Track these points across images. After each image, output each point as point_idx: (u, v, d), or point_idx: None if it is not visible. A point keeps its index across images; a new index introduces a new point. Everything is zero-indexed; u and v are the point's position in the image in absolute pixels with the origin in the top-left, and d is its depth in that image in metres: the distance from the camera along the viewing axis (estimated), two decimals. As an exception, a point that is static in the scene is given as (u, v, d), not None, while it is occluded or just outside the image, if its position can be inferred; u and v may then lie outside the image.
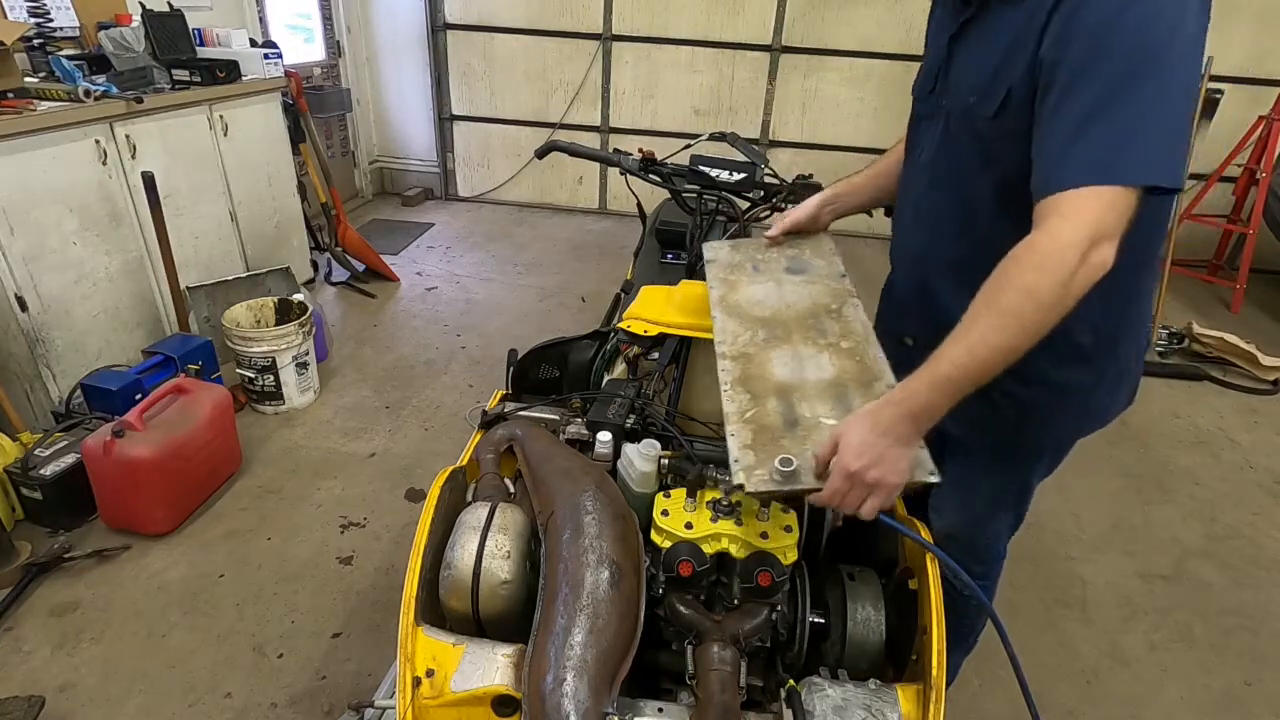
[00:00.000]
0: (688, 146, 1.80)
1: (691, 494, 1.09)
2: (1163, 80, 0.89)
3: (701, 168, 1.69)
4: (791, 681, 0.94)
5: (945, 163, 1.16)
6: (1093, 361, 1.17)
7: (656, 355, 1.45)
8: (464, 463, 1.26)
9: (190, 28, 3.17)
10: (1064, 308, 0.90)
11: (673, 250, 2.04)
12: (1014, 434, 1.26)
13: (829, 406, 1.00)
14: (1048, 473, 1.37)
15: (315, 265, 4.15)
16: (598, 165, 5.52)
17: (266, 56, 3.45)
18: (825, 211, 1.43)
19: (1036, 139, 0.97)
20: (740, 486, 0.89)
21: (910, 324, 1.32)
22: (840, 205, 1.44)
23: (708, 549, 1.01)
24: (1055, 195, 0.92)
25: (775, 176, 1.74)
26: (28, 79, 2.66)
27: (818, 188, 1.66)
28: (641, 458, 1.13)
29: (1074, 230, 0.89)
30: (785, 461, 0.90)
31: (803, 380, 1.05)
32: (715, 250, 1.42)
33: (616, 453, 1.21)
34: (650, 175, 1.79)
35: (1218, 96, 3.32)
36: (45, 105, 2.49)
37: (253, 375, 2.87)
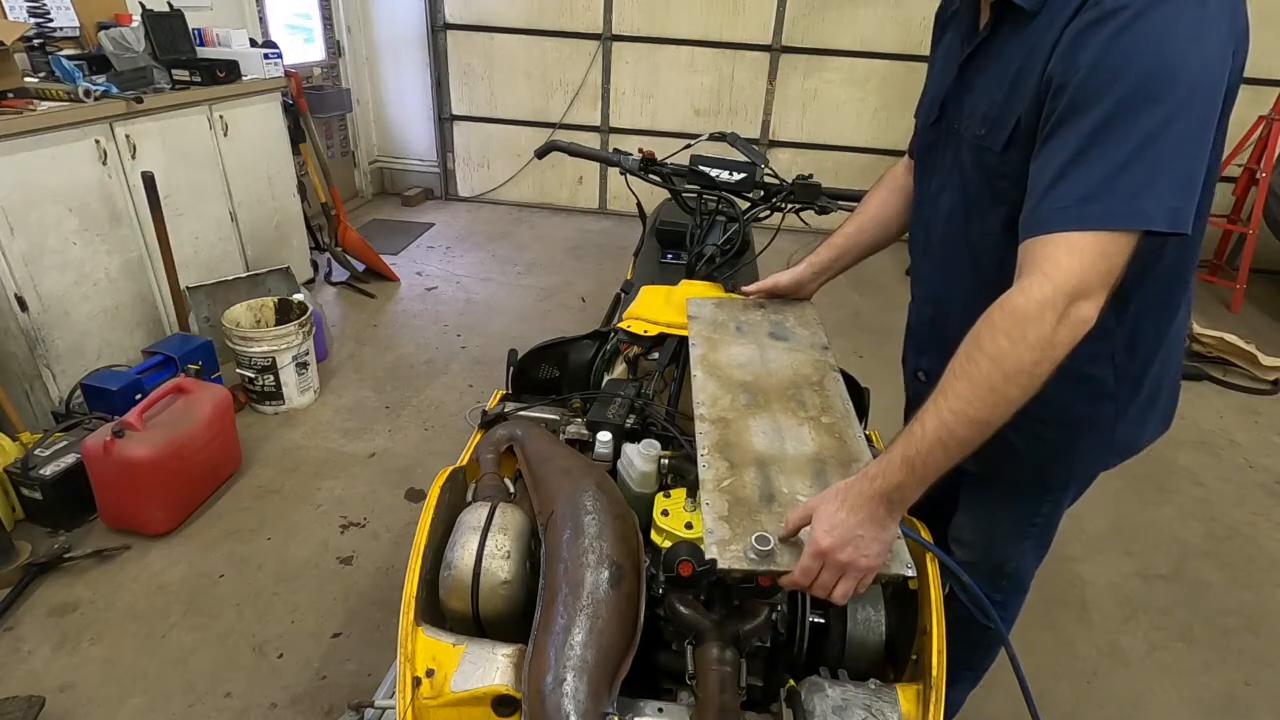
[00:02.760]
0: (688, 146, 1.80)
1: (691, 494, 1.09)
2: (1172, 109, 0.81)
3: (701, 168, 1.69)
4: (791, 681, 0.94)
5: (957, 196, 1.11)
6: (1116, 396, 1.12)
7: (656, 355, 1.45)
8: (464, 463, 1.26)
9: (190, 28, 3.17)
10: (1042, 374, 0.83)
11: (673, 250, 2.04)
12: (1036, 469, 1.21)
13: (807, 483, 0.98)
14: (1073, 502, 1.31)
15: (315, 265, 4.15)
16: (598, 165, 5.52)
17: (266, 56, 3.45)
18: (811, 281, 1.41)
19: (1031, 168, 0.91)
20: (714, 561, 0.86)
21: (924, 359, 1.30)
22: (827, 274, 1.41)
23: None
24: (1038, 239, 0.86)
25: (775, 176, 1.74)
26: (28, 79, 2.66)
27: (818, 187, 1.66)
28: (641, 458, 1.13)
29: (1053, 289, 0.82)
30: (761, 540, 0.87)
31: (782, 453, 1.03)
32: (699, 307, 1.41)
33: (616, 453, 1.21)
34: (650, 175, 1.79)
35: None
36: (45, 105, 2.49)
37: (253, 375, 2.87)
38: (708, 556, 0.87)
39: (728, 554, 0.87)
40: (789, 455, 1.03)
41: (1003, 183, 1.00)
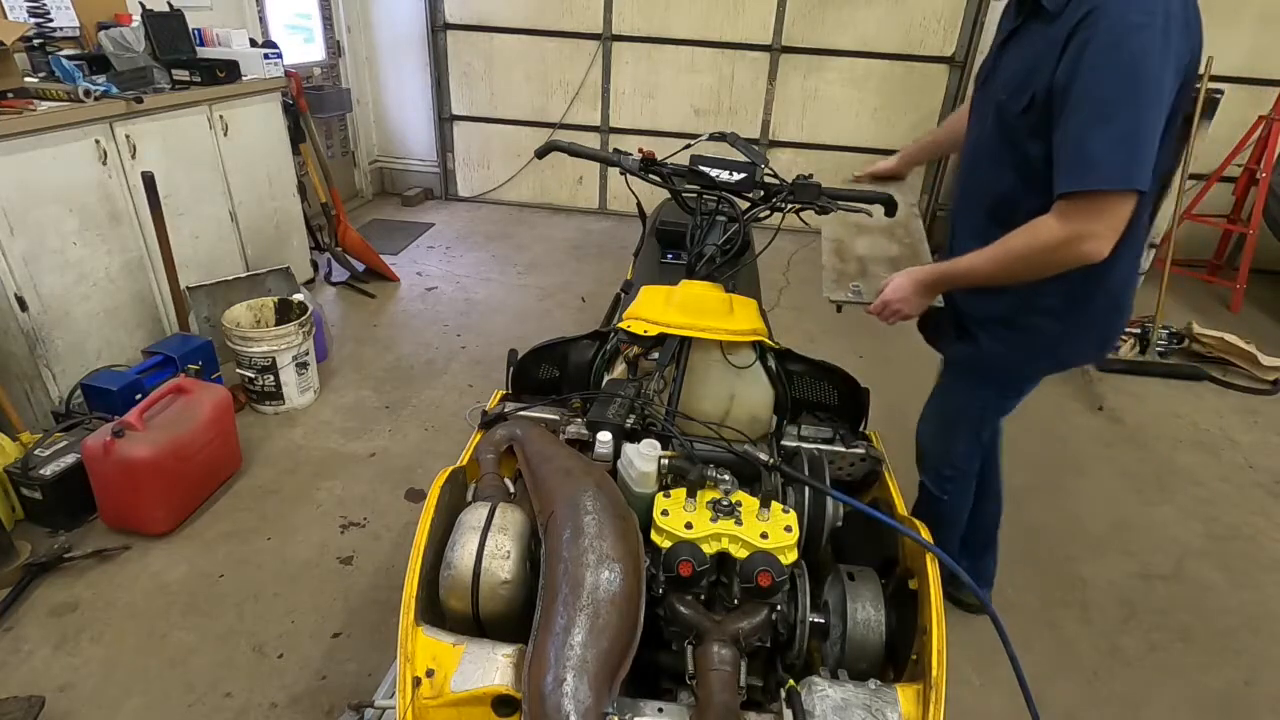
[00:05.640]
0: (688, 146, 1.79)
1: (691, 494, 1.09)
2: (1145, 99, 1.20)
3: (701, 168, 1.68)
4: (791, 681, 0.94)
5: (984, 146, 1.50)
6: (1060, 318, 1.52)
7: (656, 355, 1.45)
8: (464, 463, 1.27)
9: (190, 28, 3.17)
10: (1035, 272, 1.35)
11: (673, 250, 2.03)
12: (975, 356, 1.65)
13: (886, 269, 1.64)
14: (999, 404, 1.77)
15: (315, 265, 4.15)
16: (598, 165, 5.52)
17: (266, 56, 3.45)
18: (904, 167, 1.94)
19: (1055, 139, 1.29)
20: (825, 295, 1.58)
21: None
22: (915, 161, 1.94)
23: (708, 549, 1.01)
24: (1067, 196, 1.26)
25: (775, 176, 1.74)
26: (28, 79, 2.66)
27: (818, 187, 1.66)
28: (641, 458, 1.13)
29: (1058, 224, 1.28)
30: (856, 286, 1.59)
31: (875, 255, 1.71)
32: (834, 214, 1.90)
33: (616, 453, 1.21)
34: (650, 175, 1.78)
35: (1218, 97, 3.29)
36: (45, 105, 2.49)
37: (253, 375, 2.87)
38: (823, 294, 1.60)
39: (835, 293, 1.59)
40: (878, 256, 1.71)
41: (1017, 134, 1.40)
